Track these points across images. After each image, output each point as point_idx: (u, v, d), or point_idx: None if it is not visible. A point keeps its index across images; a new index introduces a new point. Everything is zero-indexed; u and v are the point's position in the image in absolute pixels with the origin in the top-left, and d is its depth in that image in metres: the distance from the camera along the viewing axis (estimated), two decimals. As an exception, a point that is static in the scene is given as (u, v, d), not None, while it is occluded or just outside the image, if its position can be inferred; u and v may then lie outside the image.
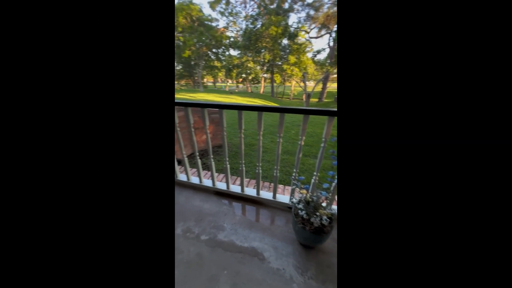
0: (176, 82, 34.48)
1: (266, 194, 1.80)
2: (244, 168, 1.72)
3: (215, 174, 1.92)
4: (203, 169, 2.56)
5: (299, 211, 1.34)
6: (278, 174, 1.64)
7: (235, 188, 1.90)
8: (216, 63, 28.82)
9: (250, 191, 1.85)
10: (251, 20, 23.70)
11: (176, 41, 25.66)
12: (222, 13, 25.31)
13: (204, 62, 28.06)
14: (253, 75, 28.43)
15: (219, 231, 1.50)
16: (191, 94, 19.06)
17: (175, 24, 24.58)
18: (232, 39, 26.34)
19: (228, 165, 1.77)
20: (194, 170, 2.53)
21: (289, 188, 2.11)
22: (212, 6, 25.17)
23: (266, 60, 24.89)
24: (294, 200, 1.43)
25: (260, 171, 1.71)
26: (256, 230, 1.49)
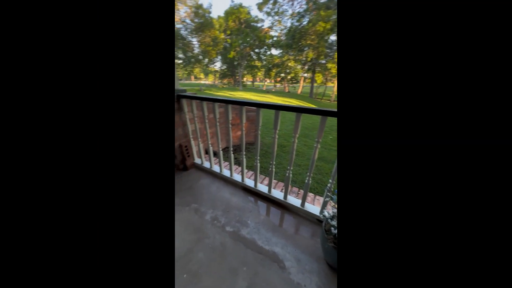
0: (219, 81, 39.88)
1: (294, 200, 1.73)
2: (274, 169, 1.68)
3: (245, 170, 1.95)
4: (235, 164, 2.59)
5: (332, 228, 1.19)
6: (310, 181, 1.54)
7: (263, 188, 1.89)
8: (257, 63, 30.49)
9: (277, 194, 1.81)
10: (297, 18, 23.46)
11: (224, 43, 28.91)
12: (268, 13, 26.49)
13: (246, 62, 29.96)
14: (292, 75, 28.68)
15: (243, 226, 1.52)
16: (231, 92, 20.55)
17: (224, 27, 27.82)
18: (275, 38, 26.96)
19: (258, 164, 1.77)
20: (227, 163, 2.62)
21: (320, 199, 1.97)
22: (260, 7, 26.36)
23: (309, 59, 24.25)
24: (326, 214, 1.28)
25: (291, 174, 1.63)
26: (279, 235, 1.45)
